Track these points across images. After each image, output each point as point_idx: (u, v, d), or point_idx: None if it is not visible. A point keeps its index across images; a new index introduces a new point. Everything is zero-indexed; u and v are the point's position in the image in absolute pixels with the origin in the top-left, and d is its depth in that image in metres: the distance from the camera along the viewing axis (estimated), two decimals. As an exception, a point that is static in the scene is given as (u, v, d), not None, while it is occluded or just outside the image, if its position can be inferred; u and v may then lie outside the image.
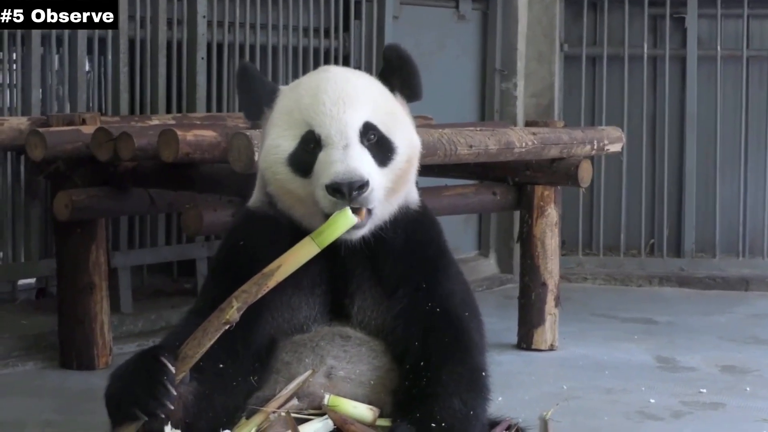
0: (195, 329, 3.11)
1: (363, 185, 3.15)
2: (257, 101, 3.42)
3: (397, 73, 3.44)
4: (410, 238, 3.41)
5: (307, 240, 3.14)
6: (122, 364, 3.15)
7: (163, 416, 3.02)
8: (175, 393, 3.01)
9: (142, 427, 3.05)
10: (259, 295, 3.10)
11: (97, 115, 5.43)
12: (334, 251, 3.31)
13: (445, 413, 3.21)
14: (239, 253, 3.39)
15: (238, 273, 3.22)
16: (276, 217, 3.35)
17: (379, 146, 3.29)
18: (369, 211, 3.23)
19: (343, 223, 3.14)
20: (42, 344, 5.57)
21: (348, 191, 3.13)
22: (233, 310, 3.07)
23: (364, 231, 3.25)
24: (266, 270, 3.11)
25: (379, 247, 3.36)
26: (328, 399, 3.21)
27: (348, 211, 3.14)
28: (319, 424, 3.19)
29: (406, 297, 3.38)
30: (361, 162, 3.20)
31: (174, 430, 3.13)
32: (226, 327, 3.08)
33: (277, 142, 3.31)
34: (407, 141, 3.36)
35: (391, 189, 3.30)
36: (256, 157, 4.24)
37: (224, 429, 3.20)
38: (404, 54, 3.46)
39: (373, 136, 3.28)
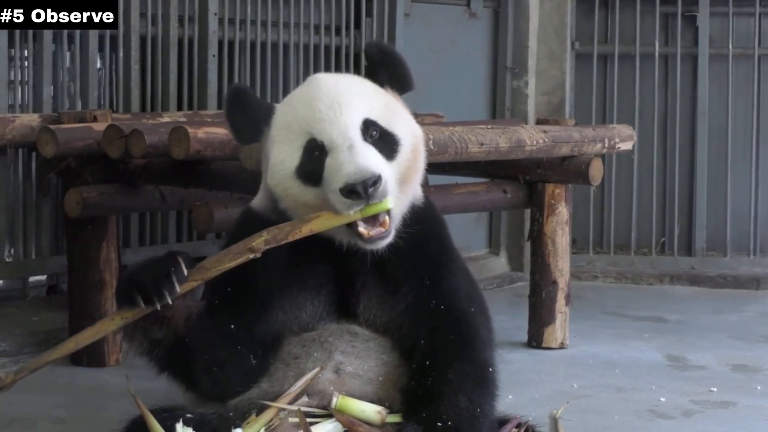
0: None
1: (376, 180, 3.13)
2: (255, 121, 3.39)
3: (383, 68, 3.45)
4: (414, 234, 3.39)
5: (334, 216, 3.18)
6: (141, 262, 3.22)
7: (158, 307, 3.06)
8: (178, 289, 3.04)
9: (141, 316, 3.11)
10: (290, 238, 3.11)
11: (108, 112, 5.43)
12: (338, 251, 3.32)
13: (452, 412, 3.21)
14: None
15: (239, 272, 3.22)
16: (277, 222, 3.34)
17: (383, 141, 3.28)
18: (389, 216, 3.22)
19: (384, 206, 3.16)
20: (53, 341, 5.57)
21: (363, 190, 3.12)
22: (261, 240, 3.10)
23: (390, 239, 3.25)
24: (305, 218, 3.14)
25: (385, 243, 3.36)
26: (336, 402, 3.20)
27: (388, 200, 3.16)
28: (330, 425, 3.20)
29: (411, 293, 3.38)
30: (368, 158, 3.19)
31: (185, 427, 3.14)
32: (249, 255, 3.09)
33: (281, 158, 3.30)
34: (409, 131, 3.36)
35: (402, 180, 3.29)
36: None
37: (216, 372, 3.26)
38: (385, 48, 3.51)
39: (375, 132, 3.27)
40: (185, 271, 3.09)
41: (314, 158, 3.24)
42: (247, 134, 3.45)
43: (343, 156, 3.19)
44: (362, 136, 3.24)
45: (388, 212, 3.21)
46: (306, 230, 3.13)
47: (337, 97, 3.28)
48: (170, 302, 3.07)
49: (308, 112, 3.27)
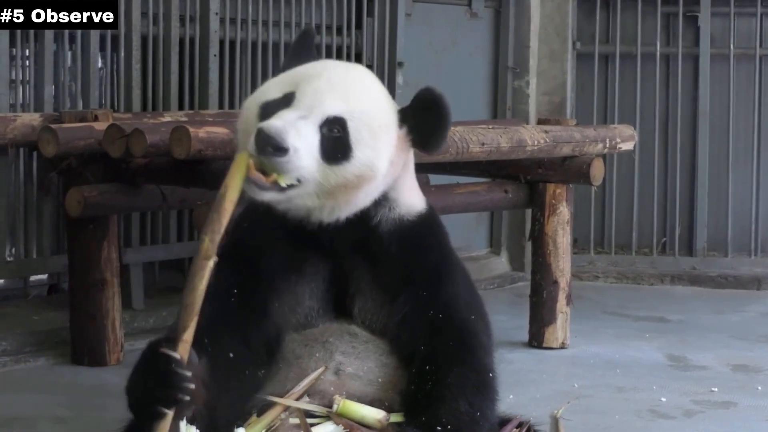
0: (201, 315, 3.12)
1: (280, 149, 3.06)
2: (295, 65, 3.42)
3: (422, 117, 3.32)
4: (406, 248, 3.37)
5: (238, 156, 3.10)
6: (131, 371, 3.14)
7: (188, 398, 2.96)
8: (188, 373, 2.98)
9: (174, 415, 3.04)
10: (224, 222, 3.01)
11: (109, 112, 5.43)
12: (330, 250, 3.32)
13: (452, 416, 3.20)
14: (241, 238, 3.40)
15: (241, 258, 3.24)
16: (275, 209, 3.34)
17: (336, 143, 3.19)
18: (281, 188, 3.14)
19: (241, 163, 3.08)
20: (54, 340, 5.58)
21: (261, 144, 3.06)
22: (207, 243, 2.98)
23: (265, 196, 3.16)
24: (218, 195, 3.05)
25: (372, 255, 3.35)
26: (338, 406, 3.20)
27: (245, 155, 3.08)
28: (331, 427, 3.19)
29: (408, 303, 3.37)
30: (297, 134, 3.11)
31: (189, 426, 3.13)
32: (210, 262, 3.00)
33: (266, 87, 3.33)
34: (368, 159, 3.23)
35: (328, 190, 3.21)
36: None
37: (237, 420, 3.20)
38: (444, 105, 3.33)
39: (336, 131, 3.19)
40: (176, 355, 2.96)
41: (280, 104, 3.21)
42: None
43: (288, 115, 3.15)
44: (322, 123, 3.18)
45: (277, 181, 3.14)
46: (229, 205, 3.03)
47: (341, 82, 3.27)
48: (192, 386, 2.96)
49: (311, 75, 3.27)
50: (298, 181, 3.16)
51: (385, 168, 3.28)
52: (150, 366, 3.00)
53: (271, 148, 3.05)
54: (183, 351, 3.01)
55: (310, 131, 3.16)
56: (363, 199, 3.30)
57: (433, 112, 3.32)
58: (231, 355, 3.24)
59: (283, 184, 3.14)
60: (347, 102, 3.23)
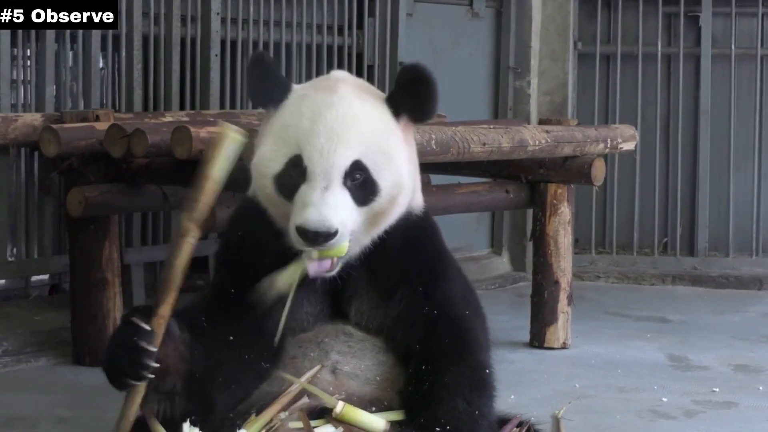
0: (201, 310, 3.16)
1: (330, 236, 3.13)
2: (266, 95, 3.37)
3: (411, 94, 3.34)
4: (406, 245, 3.39)
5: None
6: (108, 340, 3.19)
7: (152, 375, 3.03)
8: (153, 349, 3.02)
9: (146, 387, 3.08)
10: (206, 201, 3.07)
11: (110, 112, 5.43)
12: None
13: (449, 415, 3.20)
14: (238, 238, 3.42)
15: (239, 256, 3.25)
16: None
17: (363, 187, 3.23)
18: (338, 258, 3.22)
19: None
20: (55, 340, 5.58)
21: (314, 239, 3.12)
22: (185, 221, 3.07)
23: (335, 272, 3.25)
24: (202, 175, 3.09)
25: (373, 253, 3.36)
26: (340, 410, 3.19)
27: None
28: (331, 429, 3.19)
29: (404, 301, 3.37)
30: (335, 210, 3.16)
31: (192, 428, 3.14)
32: (189, 239, 3.06)
33: (268, 156, 3.29)
34: (393, 182, 3.28)
35: (369, 223, 3.28)
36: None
37: (234, 388, 3.24)
38: (423, 75, 3.35)
39: (359, 176, 3.22)
40: (146, 327, 3.04)
41: (293, 175, 3.22)
42: (261, 104, 3.43)
43: (314, 195, 3.17)
44: (344, 178, 3.20)
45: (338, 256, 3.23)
46: (212, 184, 3.07)
47: (340, 128, 3.22)
48: (154, 364, 3.03)
49: (309, 129, 3.23)
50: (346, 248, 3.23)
51: (408, 172, 3.33)
52: (120, 336, 3.08)
53: (322, 239, 3.13)
54: (157, 325, 3.05)
55: (340, 197, 3.19)
56: (399, 210, 3.36)
57: (421, 83, 3.34)
58: (231, 338, 3.26)
59: (341, 254, 3.22)
60: (356, 143, 3.23)
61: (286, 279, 3.19)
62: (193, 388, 3.19)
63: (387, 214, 3.31)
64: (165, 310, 3.07)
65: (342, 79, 3.41)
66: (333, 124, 3.23)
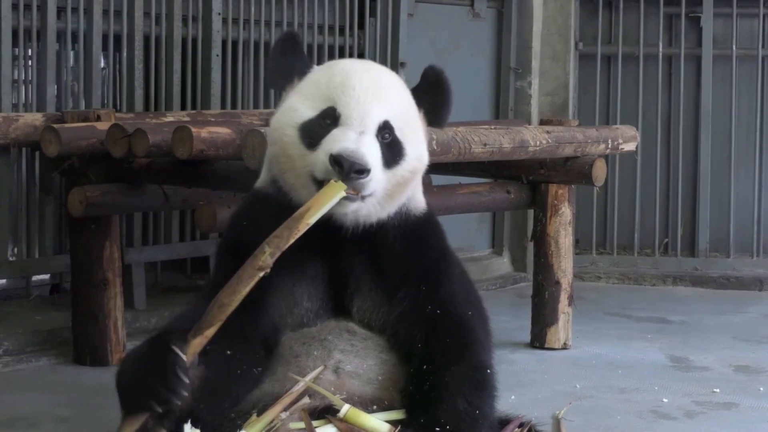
0: (203, 311, 3.11)
1: (364, 171, 3.17)
2: (290, 69, 3.43)
3: (431, 95, 3.47)
4: (409, 243, 3.41)
5: (332, 183, 3.17)
6: (132, 351, 3.15)
7: (177, 404, 3.00)
8: (188, 381, 3.00)
9: (150, 415, 3.04)
10: (291, 240, 3.09)
11: (111, 112, 5.43)
12: (332, 249, 3.33)
13: (450, 415, 3.20)
14: (243, 233, 3.41)
15: (242, 253, 3.23)
16: (278, 198, 3.35)
17: (390, 148, 3.31)
18: (362, 197, 3.25)
19: (336, 189, 3.16)
20: (56, 340, 5.58)
21: (348, 168, 3.15)
22: (266, 255, 3.07)
23: (353, 208, 3.25)
24: (296, 214, 3.12)
25: (376, 249, 3.36)
26: (345, 412, 3.18)
27: (340, 185, 3.16)
28: (333, 429, 3.19)
29: (406, 299, 3.38)
30: (370, 151, 3.22)
31: (193, 429, 3.13)
32: (260, 273, 3.07)
33: (296, 106, 3.34)
34: (417, 153, 3.38)
35: (388, 192, 3.31)
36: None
37: (223, 411, 3.20)
38: (445, 80, 3.49)
39: (387, 136, 3.31)
40: (185, 358, 3.00)
41: (323, 125, 3.28)
42: (280, 79, 3.47)
43: (351, 134, 3.23)
44: (376, 131, 3.27)
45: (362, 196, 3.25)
46: (303, 226, 3.11)
47: (374, 86, 3.32)
48: (186, 395, 3.01)
49: (343, 83, 3.31)
50: (371, 193, 3.26)
51: (427, 155, 3.44)
52: (155, 358, 3.02)
53: (354, 172, 3.16)
54: (197, 347, 3.03)
55: (374, 145, 3.25)
56: (410, 192, 3.43)
57: (440, 88, 3.48)
58: (228, 352, 3.25)
59: (363, 194, 3.24)
60: (387, 105, 3.32)
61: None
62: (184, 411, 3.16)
63: (405, 186, 3.36)
64: (210, 332, 3.07)
65: (367, 61, 3.55)
66: (368, 81, 3.33)
